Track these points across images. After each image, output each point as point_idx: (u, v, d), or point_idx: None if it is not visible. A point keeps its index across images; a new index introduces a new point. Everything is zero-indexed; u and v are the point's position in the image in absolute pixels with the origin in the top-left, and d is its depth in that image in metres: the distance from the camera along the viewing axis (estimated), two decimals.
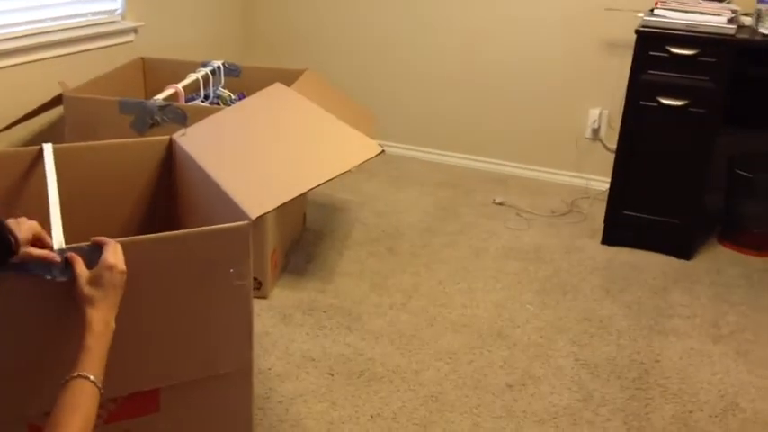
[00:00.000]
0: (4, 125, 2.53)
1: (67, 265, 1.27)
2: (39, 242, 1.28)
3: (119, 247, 1.29)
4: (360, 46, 3.86)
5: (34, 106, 2.55)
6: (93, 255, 1.28)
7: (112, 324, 1.24)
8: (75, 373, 1.14)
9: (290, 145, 1.75)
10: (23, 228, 1.25)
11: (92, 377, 1.15)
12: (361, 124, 2.63)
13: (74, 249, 1.29)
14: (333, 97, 2.74)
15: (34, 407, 1.30)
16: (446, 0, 3.62)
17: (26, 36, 2.71)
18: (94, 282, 1.24)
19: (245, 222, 1.45)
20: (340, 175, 1.58)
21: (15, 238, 0.92)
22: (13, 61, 2.64)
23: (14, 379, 1.31)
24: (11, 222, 1.23)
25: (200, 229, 1.42)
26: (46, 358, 1.30)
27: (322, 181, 1.57)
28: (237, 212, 1.50)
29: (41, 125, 2.79)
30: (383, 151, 1.64)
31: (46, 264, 1.25)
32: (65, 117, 2.46)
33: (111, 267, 1.25)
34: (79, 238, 1.35)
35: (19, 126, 2.61)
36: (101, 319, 1.22)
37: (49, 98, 2.53)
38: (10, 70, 2.63)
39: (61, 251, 1.27)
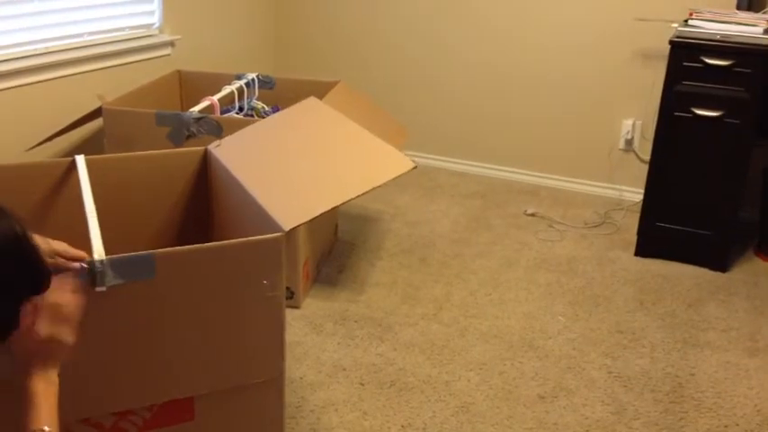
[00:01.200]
0: (45, 137, 2.60)
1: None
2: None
3: (61, 285, 1.22)
4: (391, 57, 3.88)
5: (75, 118, 2.61)
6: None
7: (55, 380, 1.18)
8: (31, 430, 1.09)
9: (323, 158, 1.77)
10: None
11: (47, 429, 1.10)
12: (393, 137, 2.66)
13: (118, 262, 1.31)
14: (365, 109, 2.76)
15: None
16: (478, 11, 3.63)
17: (67, 50, 2.79)
18: (23, 353, 1.15)
19: (279, 234, 1.47)
20: (372, 189, 1.60)
21: (48, 277, 0.91)
22: (54, 74, 2.71)
23: None
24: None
25: (233, 240, 1.44)
26: None
27: (354, 195, 1.59)
28: (271, 224, 1.52)
29: (82, 137, 2.87)
30: (416, 167, 1.65)
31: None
32: (104, 129, 2.53)
33: (37, 333, 1.16)
34: (115, 249, 1.38)
35: (60, 138, 2.68)
36: (40, 390, 1.15)
37: (89, 110, 2.59)
38: (51, 83, 2.71)
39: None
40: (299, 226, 1.51)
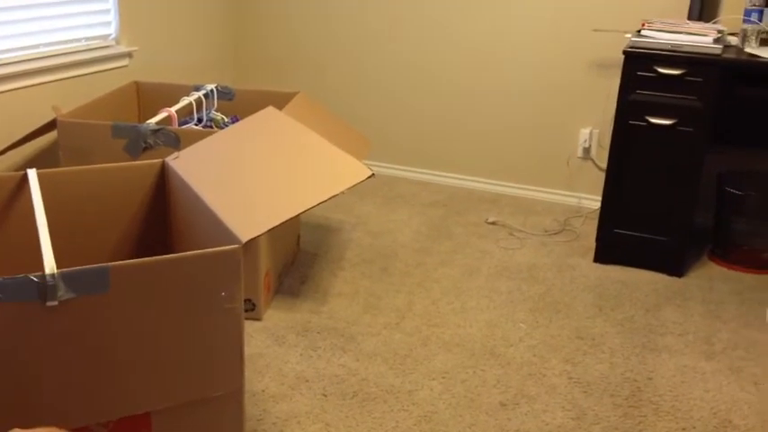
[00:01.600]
0: None
1: None
2: None
3: None
4: (350, 68, 3.89)
5: (29, 131, 2.57)
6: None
7: None
8: None
9: (281, 168, 1.77)
10: None
11: None
12: (354, 147, 2.66)
13: (71, 275, 1.30)
14: (325, 120, 2.76)
15: None
16: (435, 21, 3.66)
17: (21, 61, 2.74)
18: None
19: (236, 246, 1.46)
20: (330, 198, 1.60)
21: None
22: (8, 86, 2.66)
23: None
24: None
25: (190, 252, 1.43)
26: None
27: (312, 204, 1.59)
28: (228, 236, 1.51)
29: (37, 149, 2.81)
30: (373, 174, 1.66)
31: None
32: (59, 141, 2.48)
33: None
34: (71, 263, 1.36)
35: (14, 151, 2.63)
36: None
37: (44, 123, 2.55)
38: (5, 95, 2.66)
39: None
40: (256, 237, 1.50)
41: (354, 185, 1.66)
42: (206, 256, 1.44)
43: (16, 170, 2.71)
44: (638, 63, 2.76)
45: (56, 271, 1.29)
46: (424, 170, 3.92)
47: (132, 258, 1.39)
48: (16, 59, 2.73)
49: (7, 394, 1.31)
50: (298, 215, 1.60)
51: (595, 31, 3.29)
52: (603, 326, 2.55)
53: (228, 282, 1.47)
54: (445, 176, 3.89)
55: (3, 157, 2.59)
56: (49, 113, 2.58)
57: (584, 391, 2.19)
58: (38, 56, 2.82)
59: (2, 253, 1.82)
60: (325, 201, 1.61)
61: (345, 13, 3.81)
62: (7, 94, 2.67)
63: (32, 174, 1.77)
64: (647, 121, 2.80)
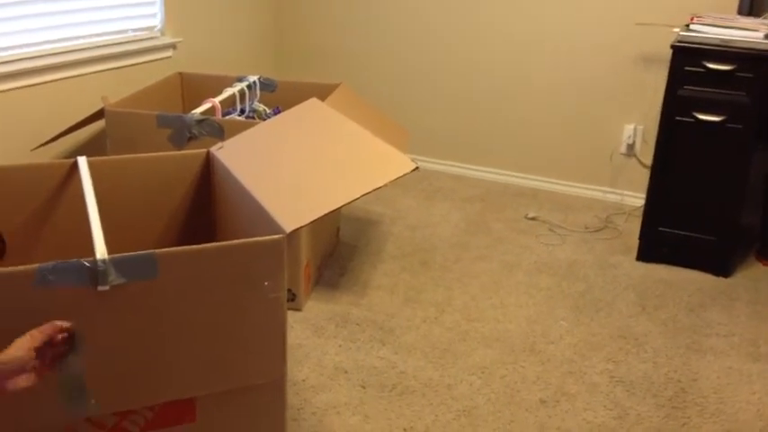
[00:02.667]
0: (49, 138, 2.60)
1: None
2: None
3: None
4: (392, 61, 3.89)
5: (78, 119, 2.61)
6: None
7: None
8: None
9: (325, 159, 1.77)
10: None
11: None
12: (395, 139, 2.66)
13: (120, 261, 1.32)
14: (366, 112, 2.76)
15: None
16: (479, 14, 3.63)
17: (70, 51, 2.79)
18: None
19: (280, 236, 1.47)
20: (374, 190, 1.60)
21: (2, 240, 0.92)
22: (58, 76, 2.71)
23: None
24: None
25: (235, 241, 1.44)
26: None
27: (356, 196, 1.59)
28: (273, 226, 1.52)
29: (85, 138, 2.87)
30: (417, 167, 1.65)
31: None
32: (106, 131, 2.52)
33: None
34: (117, 248, 1.38)
35: (63, 139, 2.68)
36: None
37: (93, 112, 2.59)
38: (55, 84, 2.71)
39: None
40: (300, 228, 1.50)
41: (398, 178, 1.65)
42: (251, 245, 1.45)
43: (65, 158, 2.76)
44: (686, 58, 2.70)
45: (107, 256, 1.31)
46: (464, 164, 3.90)
47: (177, 246, 1.40)
48: (66, 50, 2.78)
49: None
50: (341, 207, 1.60)
51: (639, 24, 3.23)
52: (646, 325, 2.51)
53: (272, 271, 1.47)
54: (484, 171, 3.86)
55: (53, 144, 2.65)
56: (97, 103, 2.62)
57: (627, 391, 2.15)
58: (86, 46, 2.87)
59: (53, 238, 1.85)
60: (369, 192, 1.61)
61: (387, 5, 3.80)
62: (57, 84, 2.72)
63: (83, 161, 1.80)
64: (695, 117, 2.74)
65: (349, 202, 1.59)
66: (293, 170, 1.75)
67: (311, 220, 1.52)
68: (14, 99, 2.56)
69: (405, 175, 1.65)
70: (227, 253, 1.42)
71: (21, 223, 1.81)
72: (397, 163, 1.68)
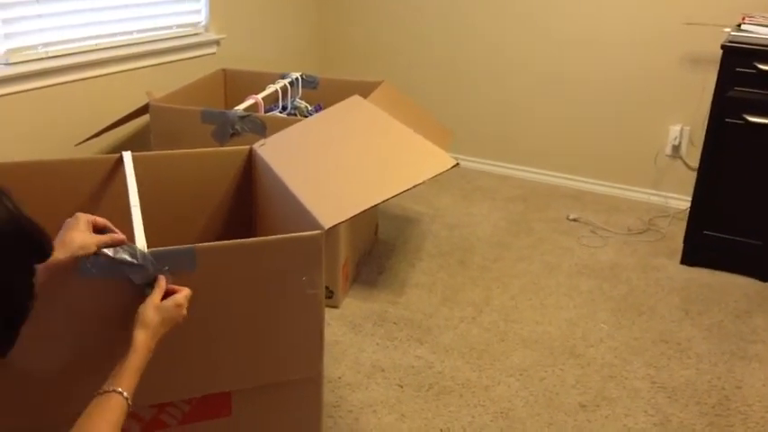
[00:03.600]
0: (93, 133, 2.64)
1: (153, 282, 1.33)
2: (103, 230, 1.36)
3: (188, 296, 1.34)
4: (435, 59, 3.87)
5: (123, 114, 2.65)
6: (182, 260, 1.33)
7: (151, 349, 1.28)
8: (111, 388, 1.17)
9: (365, 156, 1.77)
10: (81, 222, 1.32)
11: (125, 393, 1.18)
12: (436, 137, 2.64)
13: (160, 254, 1.33)
14: (408, 109, 2.75)
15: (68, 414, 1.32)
16: (523, 12, 3.60)
17: (116, 47, 2.84)
18: (159, 310, 1.29)
19: (319, 232, 1.47)
20: (413, 187, 1.59)
21: (48, 239, 0.95)
22: (104, 71, 2.76)
23: (55, 383, 1.35)
24: (65, 229, 1.31)
25: (273, 237, 1.44)
26: (86, 367, 1.34)
27: (395, 193, 1.58)
28: (312, 222, 1.52)
29: (129, 133, 2.91)
30: (457, 164, 1.63)
31: (134, 268, 1.30)
32: (150, 125, 2.56)
33: (179, 306, 1.31)
34: (160, 242, 1.39)
35: (107, 134, 2.72)
36: (146, 343, 1.26)
37: (137, 107, 2.63)
38: (101, 80, 2.76)
39: (153, 265, 1.33)
40: (339, 224, 1.50)
41: (438, 175, 1.64)
42: (288, 240, 1.45)
43: (110, 152, 2.81)
44: (737, 58, 2.63)
45: (146, 250, 1.33)
46: (505, 164, 3.87)
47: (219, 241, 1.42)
48: (111, 45, 2.83)
49: (97, 364, 1.35)
50: (380, 203, 1.59)
51: (687, 24, 3.16)
52: (690, 330, 2.46)
53: (310, 267, 1.47)
54: (527, 171, 3.82)
55: (97, 139, 2.69)
56: (141, 98, 2.66)
57: (669, 397, 2.11)
58: (131, 42, 2.91)
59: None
60: (409, 189, 1.60)
61: (431, 3, 3.78)
62: (103, 78, 2.77)
63: (128, 156, 1.82)
64: (745, 119, 2.67)
65: (388, 199, 1.58)
66: (333, 167, 1.75)
67: (349, 216, 1.52)
68: (60, 94, 2.61)
69: (444, 171, 1.64)
70: (265, 248, 1.43)
71: (67, 216, 1.84)
72: (436, 160, 1.67)
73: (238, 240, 1.40)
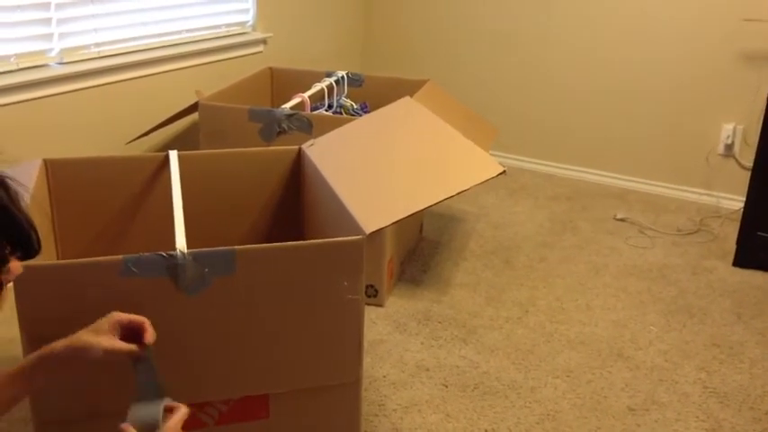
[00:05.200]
0: (144, 130, 2.69)
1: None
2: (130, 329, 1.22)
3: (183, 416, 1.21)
4: (477, 57, 3.84)
5: (173, 113, 2.69)
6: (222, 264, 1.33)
7: None
8: None
9: (412, 160, 1.76)
10: (105, 324, 1.19)
11: None
12: (482, 135, 2.63)
13: (200, 255, 1.34)
14: (454, 108, 2.74)
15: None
16: (570, 12, 3.55)
17: (166, 47, 2.89)
18: None
19: (359, 237, 1.46)
20: (459, 193, 1.58)
21: (37, 236, 0.96)
22: (154, 70, 2.81)
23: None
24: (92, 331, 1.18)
25: (313, 241, 1.45)
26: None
27: (439, 199, 1.57)
28: (354, 226, 1.51)
29: (179, 131, 2.96)
30: (504, 171, 1.62)
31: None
32: (199, 123, 2.59)
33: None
34: (207, 242, 1.40)
35: (158, 132, 2.77)
36: None
37: (186, 105, 2.67)
38: (151, 78, 2.81)
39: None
40: (381, 229, 1.49)
41: (485, 181, 1.62)
42: (329, 245, 1.45)
43: (160, 150, 2.86)
44: None
45: (186, 250, 1.34)
46: (549, 162, 3.82)
47: (266, 243, 1.42)
48: (161, 45, 2.88)
49: None
50: (424, 209, 1.58)
51: (746, 20, 3.07)
52: (743, 334, 2.40)
53: (351, 272, 1.46)
54: (571, 169, 3.77)
55: (148, 137, 2.74)
56: (190, 96, 2.70)
57: (721, 402, 2.06)
58: (180, 41, 2.96)
59: (143, 230, 1.91)
60: (454, 196, 1.59)
61: (474, 2, 3.76)
62: (152, 78, 2.82)
63: (173, 155, 1.84)
64: None
65: (432, 205, 1.57)
66: (380, 170, 1.75)
67: (391, 222, 1.51)
68: (112, 93, 2.67)
69: (492, 178, 1.62)
70: (306, 252, 1.43)
71: (114, 214, 1.88)
72: (483, 166, 1.65)
73: (278, 244, 1.41)
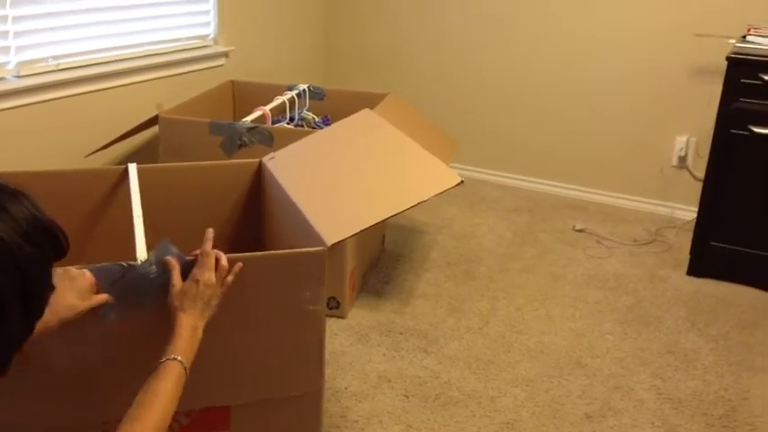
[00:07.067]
0: (104, 143, 2.67)
1: (165, 270, 1.36)
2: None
3: (210, 262, 1.36)
4: (438, 70, 3.89)
5: (132, 126, 2.68)
6: (187, 266, 1.36)
7: (200, 332, 1.31)
8: (165, 358, 1.23)
9: (372, 172, 1.78)
10: (76, 284, 1.29)
11: (180, 358, 1.23)
12: (442, 148, 2.66)
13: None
14: (414, 120, 2.77)
15: (111, 413, 1.34)
16: (527, 21, 3.62)
17: (126, 59, 2.87)
18: (183, 293, 1.32)
19: (321, 249, 1.47)
20: (418, 204, 1.60)
21: (66, 237, 0.98)
22: (114, 83, 2.79)
23: (97, 384, 1.37)
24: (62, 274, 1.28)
25: (274, 252, 1.46)
26: (130, 366, 1.35)
27: (399, 210, 1.59)
28: (315, 238, 1.53)
29: (138, 144, 2.94)
30: (462, 182, 1.64)
31: (146, 284, 1.34)
32: (159, 137, 2.58)
33: (197, 281, 1.33)
34: None
35: (117, 145, 2.75)
36: (189, 324, 1.30)
37: (146, 119, 2.65)
38: (111, 92, 2.79)
39: (157, 259, 1.36)
40: (341, 241, 1.50)
41: (442, 192, 1.65)
42: (290, 256, 1.46)
43: (119, 163, 2.84)
44: (742, 70, 2.64)
45: (146, 257, 1.35)
46: (510, 174, 3.88)
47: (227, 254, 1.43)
48: (122, 57, 2.86)
49: (94, 376, 1.36)
50: (384, 220, 1.60)
51: (698, 36, 3.17)
52: (696, 341, 2.46)
53: (312, 283, 1.47)
54: (531, 181, 3.83)
55: (107, 150, 2.72)
56: (151, 110, 2.68)
57: (675, 408, 2.11)
58: (141, 54, 2.94)
59: (103, 241, 1.90)
60: (413, 207, 1.62)
61: (436, 15, 3.81)
62: (114, 90, 2.80)
63: (133, 168, 1.84)
64: (751, 130, 2.68)
65: (392, 216, 1.59)
66: (341, 182, 1.77)
67: (352, 233, 1.53)
68: (71, 106, 2.64)
69: (450, 189, 1.65)
70: (266, 263, 1.44)
71: (74, 226, 1.86)
72: (442, 176, 1.68)
73: (238, 254, 1.41)
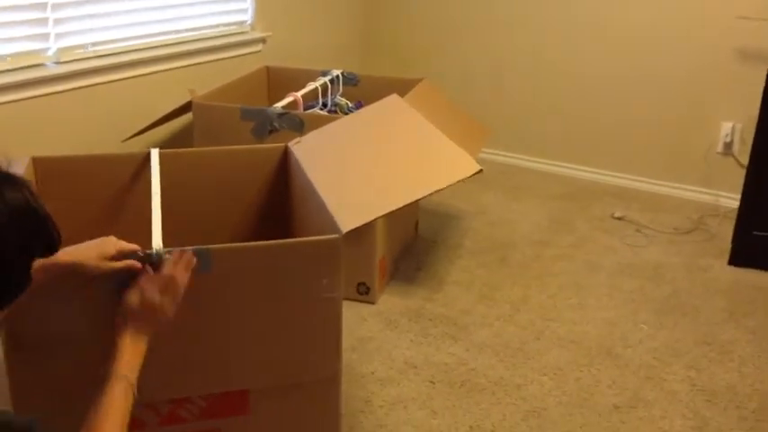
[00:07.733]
0: (138, 130, 2.71)
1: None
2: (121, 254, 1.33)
3: (163, 282, 1.31)
4: (477, 56, 3.84)
5: (167, 112, 2.72)
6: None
7: (143, 346, 1.27)
8: (112, 376, 1.20)
9: (392, 159, 1.77)
10: (104, 244, 1.30)
11: (126, 373, 1.20)
12: (472, 135, 2.63)
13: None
14: (445, 108, 2.75)
15: None
16: (570, 12, 3.54)
17: (164, 46, 2.91)
18: (129, 307, 1.28)
19: (335, 236, 1.47)
20: (435, 192, 1.59)
21: (58, 235, 0.99)
22: (151, 69, 2.84)
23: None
24: (86, 245, 1.29)
25: (288, 240, 1.46)
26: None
27: (416, 197, 1.59)
28: (332, 224, 1.53)
29: (176, 129, 2.98)
30: (481, 170, 1.62)
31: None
32: (193, 122, 2.62)
33: (144, 297, 1.29)
34: (188, 242, 1.42)
35: (155, 130, 2.79)
36: (130, 340, 1.26)
37: (181, 104, 2.69)
38: (148, 77, 2.84)
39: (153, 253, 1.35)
40: (355, 228, 1.49)
41: (460, 180, 1.62)
42: (304, 244, 1.46)
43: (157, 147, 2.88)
44: None
45: (162, 248, 1.36)
46: (549, 161, 3.82)
47: (254, 240, 1.44)
48: (159, 44, 2.90)
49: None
50: (399, 208, 1.58)
51: (741, 18, 3.06)
52: (734, 333, 2.39)
53: (327, 271, 1.47)
54: (570, 168, 3.76)
55: (145, 135, 2.77)
56: (187, 95, 2.72)
57: (708, 401, 2.06)
58: (179, 41, 2.98)
59: (126, 227, 1.92)
60: (430, 194, 1.60)
61: (471, 1, 3.77)
62: (149, 77, 2.84)
63: (155, 153, 1.85)
64: None
65: (408, 204, 1.58)
66: (361, 168, 1.76)
67: (367, 220, 1.52)
68: (108, 92, 2.70)
69: (467, 177, 1.62)
70: (281, 251, 1.44)
71: (97, 212, 1.89)
72: (461, 164, 1.66)
73: (253, 243, 1.42)
